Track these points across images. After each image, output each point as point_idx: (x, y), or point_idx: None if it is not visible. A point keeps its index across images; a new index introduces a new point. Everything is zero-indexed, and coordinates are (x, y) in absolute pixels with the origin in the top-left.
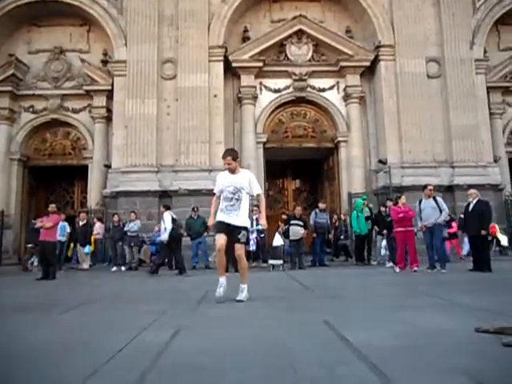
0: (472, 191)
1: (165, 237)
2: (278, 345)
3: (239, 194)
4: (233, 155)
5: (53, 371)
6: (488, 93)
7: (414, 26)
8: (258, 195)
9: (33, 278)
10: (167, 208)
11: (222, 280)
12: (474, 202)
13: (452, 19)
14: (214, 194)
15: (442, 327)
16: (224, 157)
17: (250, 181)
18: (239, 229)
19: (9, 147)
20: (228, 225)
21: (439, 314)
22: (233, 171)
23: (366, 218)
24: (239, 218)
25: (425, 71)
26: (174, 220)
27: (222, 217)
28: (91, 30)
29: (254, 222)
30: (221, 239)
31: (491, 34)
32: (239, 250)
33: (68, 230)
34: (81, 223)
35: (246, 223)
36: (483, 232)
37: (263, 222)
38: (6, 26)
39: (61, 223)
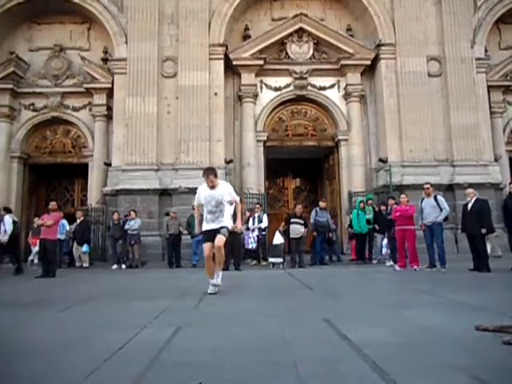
0: (470, 190)
1: (5, 238)
2: (279, 342)
3: (221, 206)
4: (214, 173)
5: (53, 368)
6: (489, 92)
7: (415, 25)
8: (236, 203)
9: (32, 275)
10: (8, 211)
11: (212, 281)
12: (473, 201)
13: (453, 18)
14: None
15: (441, 325)
16: (207, 175)
17: (228, 191)
18: (222, 228)
19: (9, 145)
20: (212, 230)
21: (439, 312)
22: (213, 187)
23: (368, 221)
24: (223, 222)
25: (425, 70)
26: (14, 222)
27: (206, 227)
28: (92, 27)
29: (256, 220)
30: (207, 249)
31: (492, 32)
32: (219, 241)
33: (67, 227)
34: (78, 221)
35: (228, 224)
36: (483, 230)
37: (239, 225)
38: (6, 24)
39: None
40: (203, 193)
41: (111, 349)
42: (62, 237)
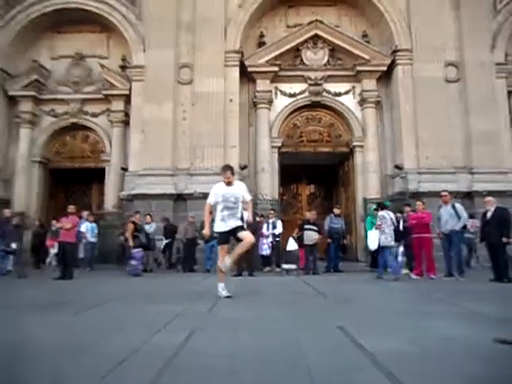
0: (489, 198)
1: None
2: (292, 349)
3: (238, 204)
4: (231, 170)
5: (67, 370)
6: (509, 97)
7: (432, 30)
8: (247, 202)
9: (50, 277)
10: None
11: (222, 285)
12: (492, 209)
13: (472, 22)
14: None
15: (459, 336)
16: (224, 172)
17: (244, 189)
18: (238, 228)
19: (30, 150)
20: (229, 231)
21: (456, 323)
22: (230, 183)
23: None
24: (237, 221)
25: (443, 75)
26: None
27: (222, 227)
28: (110, 36)
29: (270, 226)
30: (222, 251)
31: None
32: (248, 235)
33: (96, 231)
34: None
35: (242, 223)
36: (504, 239)
37: (250, 217)
38: (29, 34)
39: (89, 224)
40: (220, 190)
41: (125, 352)
42: (94, 240)
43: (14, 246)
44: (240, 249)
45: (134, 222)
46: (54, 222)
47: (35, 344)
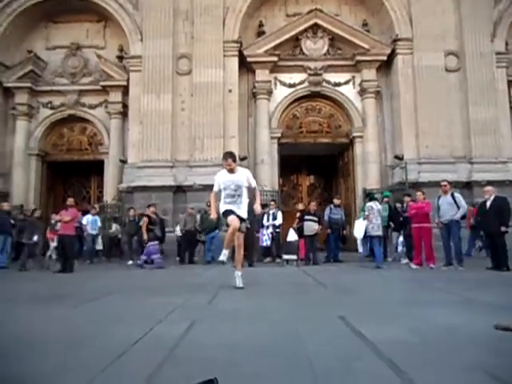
0: (488, 188)
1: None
2: (293, 339)
3: (240, 190)
4: (232, 157)
5: (68, 363)
6: (509, 86)
7: (432, 19)
8: (255, 188)
9: (50, 271)
10: None
11: (226, 251)
12: (492, 198)
13: (472, 11)
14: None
15: (459, 324)
16: (225, 159)
17: (247, 177)
18: (241, 220)
19: (27, 143)
20: (234, 212)
21: (456, 311)
22: (232, 171)
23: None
24: (241, 209)
25: (443, 65)
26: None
27: (228, 207)
28: (107, 25)
29: (271, 217)
30: (235, 220)
31: None
32: (241, 239)
33: (99, 223)
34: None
35: (245, 215)
36: (503, 228)
37: (258, 208)
38: (24, 23)
39: (92, 217)
40: (222, 178)
41: (126, 344)
42: (95, 232)
43: (35, 238)
44: (239, 256)
45: (147, 216)
46: (53, 215)
47: (34, 337)
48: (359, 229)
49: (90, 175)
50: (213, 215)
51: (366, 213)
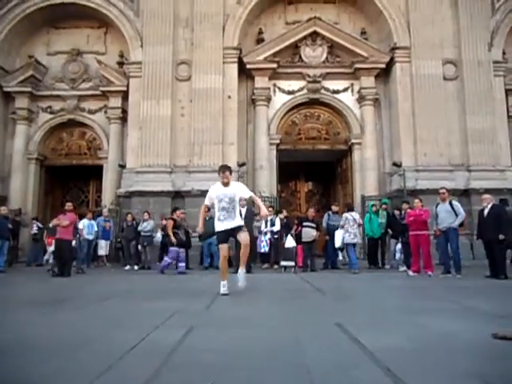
0: (486, 196)
1: None
2: (291, 346)
3: (234, 203)
4: (229, 170)
5: (65, 367)
6: (506, 95)
7: (430, 28)
8: (251, 197)
9: (48, 275)
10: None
11: (224, 282)
12: (489, 206)
13: (470, 20)
14: None
15: (457, 332)
16: (223, 172)
17: (240, 188)
18: (238, 228)
19: (27, 147)
20: (227, 231)
21: (454, 319)
22: (227, 184)
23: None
24: (235, 220)
25: (441, 73)
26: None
27: (220, 226)
28: (108, 31)
29: (269, 223)
30: (224, 250)
31: (511, 35)
32: (246, 239)
33: (96, 228)
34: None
35: (241, 222)
36: (501, 236)
37: (265, 212)
38: (26, 29)
39: (88, 222)
40: (216, 191)
41: (123, 349)
42: (91, 237)
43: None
44: (244, 256)
45: (173, 219)
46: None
47: (33, 341)
48: (338, 238)
49: (88, 180)
50: (200, 228)
51: (341, 223)
